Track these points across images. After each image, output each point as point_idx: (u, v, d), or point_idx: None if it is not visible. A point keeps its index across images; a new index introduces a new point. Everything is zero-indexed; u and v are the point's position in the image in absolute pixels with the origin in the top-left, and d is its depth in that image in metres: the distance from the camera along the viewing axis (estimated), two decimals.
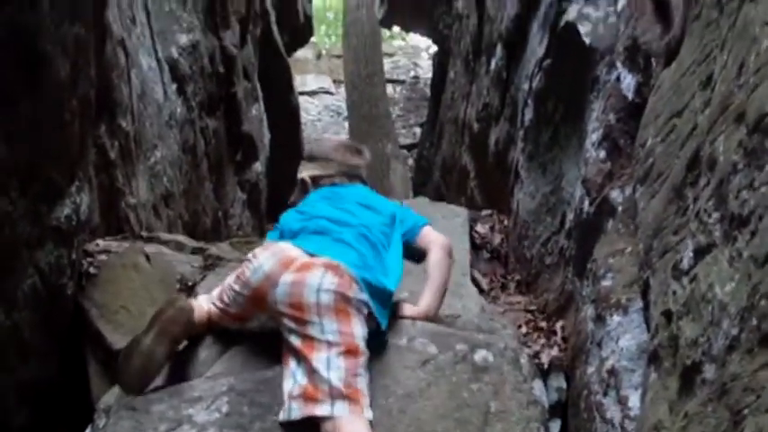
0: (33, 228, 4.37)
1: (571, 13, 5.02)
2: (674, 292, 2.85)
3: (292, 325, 3.91)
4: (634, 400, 3.34)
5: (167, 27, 8.01)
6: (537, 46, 5.71)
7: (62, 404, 4.95)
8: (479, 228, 6.37)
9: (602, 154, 4.30)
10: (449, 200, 8.29)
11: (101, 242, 5.56)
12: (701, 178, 2.81)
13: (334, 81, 24.31)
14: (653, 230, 3.23)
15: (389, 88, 19.90)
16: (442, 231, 5.45)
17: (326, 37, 29.04)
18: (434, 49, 16.56)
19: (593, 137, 4.41)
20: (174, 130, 7.81)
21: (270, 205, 12.12)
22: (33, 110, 4.17)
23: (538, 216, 5.43)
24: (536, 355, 4.39)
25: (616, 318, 3.71)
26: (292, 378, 3.82)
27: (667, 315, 2.88)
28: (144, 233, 6.17)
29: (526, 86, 5.92)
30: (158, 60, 7.56)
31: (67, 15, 4.43)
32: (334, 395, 3.68)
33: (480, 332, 4.31)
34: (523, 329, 4.77)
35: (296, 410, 3.67)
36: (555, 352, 4.44)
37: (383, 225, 4.62)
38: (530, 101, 5.76)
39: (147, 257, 5.54)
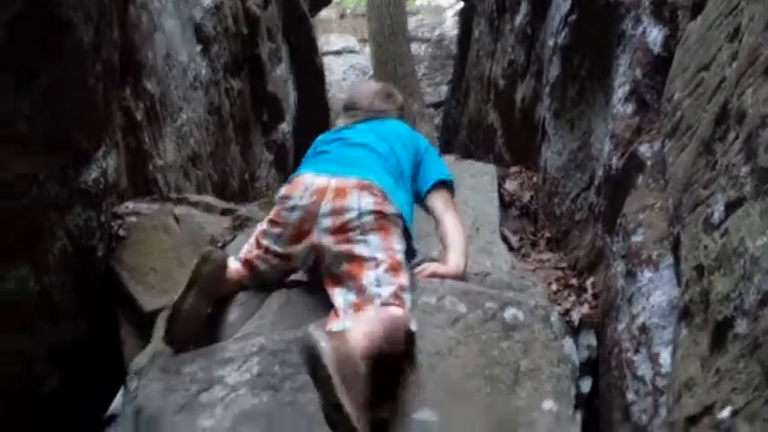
0: (61, 190, 4.39)
1: None
2: (705, 247, 2.83)
3: (339, 249, 4.07)
4: (665, 357, 3.32)
5: None
6: (562, 1, 5.66)
7: (94, 367, 4.98)
8: (508, 185, 6.35)
9: (630, 109, 4.26)
10: (476, 158, 8.23)
11: (130, 204, 5.59)
12: (729, 132, 2.78)
13: (359, 40, 24.21)
14: (682, 185, 3.20)
15: (414, 47, 19.77)
16: (471, 189, 5.47)
17: None
18: (458, 6, 16.46)
19: (620, 92, 4.37)
20: (199, 91, 7.82)
21: (296, 166, 12.16)
22: (57, 75, 4.18)
23: (567, 172, 5.39)
24: (566, 312, 4.37)
25: (647, 273, 3.68)
26: (342, 297, 3.96)
27: (698, 270, 2.86)
28: (173, 195, 6.18)
29: (551, 42, 5.88)
30: (182, 22, 7.54)
31: None
32: (385, 305, 3.84)
33: (510, 290, 4.31)
34: (553, 287, 4.75)
35: (350, 321, 3.75)
36: (585, 309, 4.42)
37: (404, 155, 4.67)
38: (555, 57, 5.71)
39: (177, 219, 5.57)
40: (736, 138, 2.68)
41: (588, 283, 4.66)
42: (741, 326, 2.42)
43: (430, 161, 4.79)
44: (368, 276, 3.96)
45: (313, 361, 3.29)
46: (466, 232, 4.58)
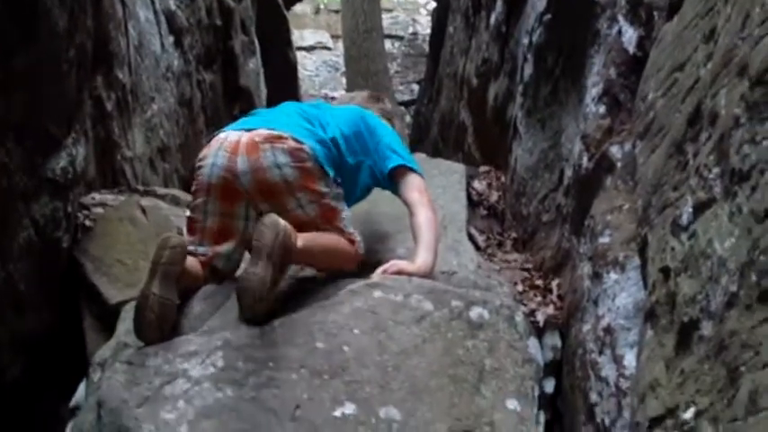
0: (29, 179, 4.37)
1: None
2: (673, 249, 2.82)
3: (272, 207, 4.20)
4: (630, 359, 3.32)
5: None
6: (537, 0, 5.65)
7: (57, 358, 4.95)
8: (476, 184, 6.32)
9: (602, 109, 4.25)
10: (446, 156, 8.21)
11: (97, 195, 5.56)
12: (702, 133, 2.77)
13: (332, 36, 24.19)
14: (652, 186, 3.19)
15: (388, 44, 19.79)
16: (439, 187, 5.45)
17: None
18: (433, 5, 16.46)
19: (593, 92, 4.36)
20: (170, 82, 7.79)
21: None
22: (30, 61, 4.15)
23: (536, 172, 5.38)
24: (532, 312, 4.37)
25: (613, 275, 3.68)
26: None
27: (665, 272, 2.85)
28: (140, 187, 6.14)
29: (526, 41, 5.87)
30: (156, 12, 7.53)
31: None
32: None
33: (476, 289, 4.31)
34: (519, 287, 4.74)
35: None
36: (550, 310, 4.42)
37: (346, 131, 4.66)
38: (529, 56, 5.70)
39: (144, 211, 5.55)
40: (708, 139, 2.68)
41: (554, 284, 4.66)
42: (707, 328, 2.41)
43: (393, 144, 4.79)
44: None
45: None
46: (437, 228, 4.55)
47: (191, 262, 4.27)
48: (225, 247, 4.37)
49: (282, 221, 3.95)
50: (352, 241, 4.40)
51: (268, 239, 3.86)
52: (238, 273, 4.36)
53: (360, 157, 4.63)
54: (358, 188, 4.72)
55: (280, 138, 4.26)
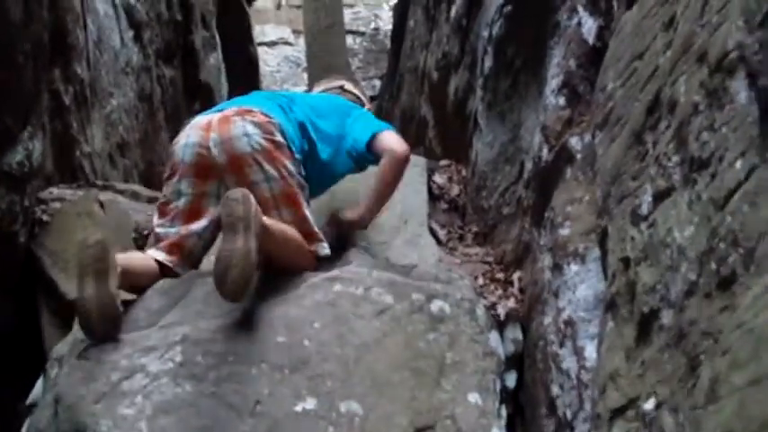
0: None
1: None
2: (632, 238, 2.82)
3: (238, 181, 4.21)
4: (590, 351, 3.33)
5: None
6: None
7: (14, 353, 4.91)
8: (437, 178, 6.31)
9: (562, 101, 4.25)
10: None
11: (54, 190, 5.53)
12: (661, 121, 2.77)
13: (294, 32, 24.14)
14: (611, 176, 3.19)
15: (349, 39, 19.76)
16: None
17: None
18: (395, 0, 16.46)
19: (553, 83, 4.36)
20: (130, 77, 7.75)
21: None
22: None
23: (496, 166, 5.37)
24: (492, 306, 4.36)
25: (573, 267, 3.68)
26: None
27: (625, 261, 2.86)
28: (99, 182, 6.10)
29: (486, 34, 5.85)
30: (115, 6, 7.49)
31: None
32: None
33: (437, 282, 4.29)
34: (480, 281, 4.73)
35: None
36: (511, 303, 4.42)
37: (317, 115, 4.72)
38: (489, 48, 5.69)
39: (102, 205, 5.52)
40: (668, 127, 2.68)
41: (515, 276, 4.66)
42: (666, 317, 2.42)
43: (367, 120, 4.90)
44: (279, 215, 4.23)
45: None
46: (397, 175, 4.67)
47: (141, 259, 4.27)
48: (196, 225, 4.32)
49: (252, 196, 3.89)
50: (313, 240, 4.35)
51: (242, 211, 3.77)
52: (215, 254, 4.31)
53: (335, 145, 4.69)
54: (330, 178, 4.81)
55: (249, 111, 4.32)
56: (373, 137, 4.64)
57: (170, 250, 4.31)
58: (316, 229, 4.37)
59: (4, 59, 4.40)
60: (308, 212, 4.35)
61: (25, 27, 4.55)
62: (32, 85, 4.83)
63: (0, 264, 4.68)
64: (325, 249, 4.40)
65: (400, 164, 4.59)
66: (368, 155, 4.68)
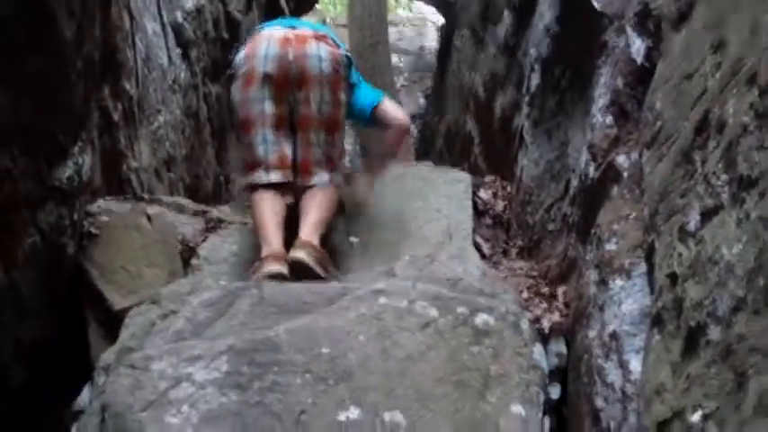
0: (35, 187, 4.38)
1: None
2: (680, 255, 2.83)
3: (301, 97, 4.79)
4: (635, 364, 3.32)
5: None
6: (545, 11, 5.67)
7: (61, 364, 4.95)
8: (482, 194, 6.33)
9: (609, 119, 4.26)
10: (451, 167, 8.23)
11: (102, 203, 5.57)
12: (709, 141, 2.78)
13: None
14: (659, 194, 3.20)
15: (395, 58, 19.76)
16: (445, 197, 5.53)
17: (331, 5, 28.82)
18: (441, 20, 16.46)
19: (600, 102, 4.37)
20: (177, 94, 7.82)
21: None
22: (39, 67, 4.17)
23: (541, 182, 5.39)
24: (537, 319, 4.37)
25: (619, 282, 3.68)
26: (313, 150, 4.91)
27: (672, 277, 2.86)
28: (145, 195, 6.16)
29: (533, 52, 5.88)
30: (163, 25, 7.56)
31: None
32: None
33: (481, 296, 4.30)
34: (524, 294, 4.74)
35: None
36: (556, 317, 4.43)
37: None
38: (536, 67, 5.72)
39: (149, 218, 5.57)
40: (716, 146, 2.69)
41: (559, 291, 4.66)
42: (714, 332, 2.42)
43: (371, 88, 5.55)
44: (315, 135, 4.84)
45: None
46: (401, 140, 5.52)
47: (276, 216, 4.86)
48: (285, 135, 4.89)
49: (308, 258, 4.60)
50: (333, 167, 4.92)
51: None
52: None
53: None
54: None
55: (324, 37, 4.84)
56: (378, 104, 5.25)
57: (281, 162, 4.87)
58: (338, 158, 4.97)
59: (58, 78, 4.46)
60: (339, 140, 4.93)
61: (78, 46, 4.62)
62: (83, 103, 4.88)
63: (49, 275, 4.72)
64: (338, 178, 5.06)
65: (406, 132, 5.56)
66: (368, 117, 5.29)
